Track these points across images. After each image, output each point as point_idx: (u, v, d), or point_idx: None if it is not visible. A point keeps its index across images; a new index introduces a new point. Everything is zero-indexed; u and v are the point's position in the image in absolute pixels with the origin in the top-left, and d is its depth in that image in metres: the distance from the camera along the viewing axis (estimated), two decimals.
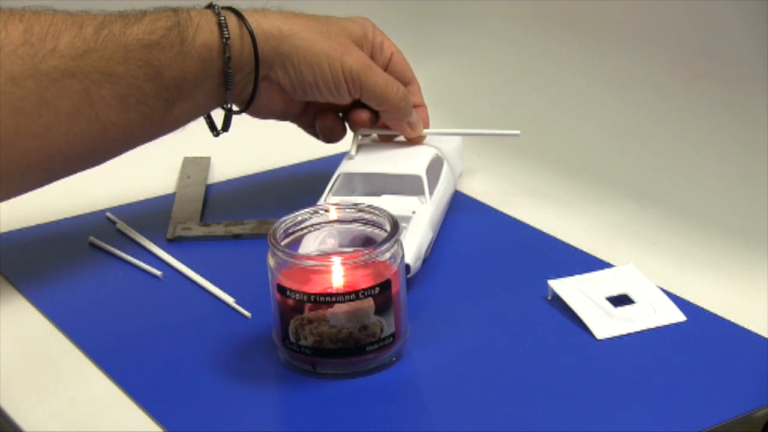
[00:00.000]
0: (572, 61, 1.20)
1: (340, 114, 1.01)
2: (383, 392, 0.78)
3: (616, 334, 0.82)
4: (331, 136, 1.01)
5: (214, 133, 0.97)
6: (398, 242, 0.80)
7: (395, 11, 1.30)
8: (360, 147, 1.03)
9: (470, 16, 1.28)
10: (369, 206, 0.83)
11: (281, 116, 1.00)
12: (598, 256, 0.93)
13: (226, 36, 0.90)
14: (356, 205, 0.84)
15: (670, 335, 0.82)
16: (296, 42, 0.93)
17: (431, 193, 0.96)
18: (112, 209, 1.05)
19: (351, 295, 0.77)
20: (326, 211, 0.84)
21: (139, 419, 0.77)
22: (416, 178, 0.96)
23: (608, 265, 0.91)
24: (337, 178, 0.98)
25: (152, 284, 0.93)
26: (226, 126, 0.96)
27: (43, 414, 0.78)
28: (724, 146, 1.05)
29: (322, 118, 1.00)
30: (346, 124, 1.02)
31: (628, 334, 0.82)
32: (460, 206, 1.03)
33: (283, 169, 1.13)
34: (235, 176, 1.11)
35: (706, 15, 1.06)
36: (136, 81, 0.86)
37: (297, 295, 0.78)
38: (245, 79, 0.93)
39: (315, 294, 0.77)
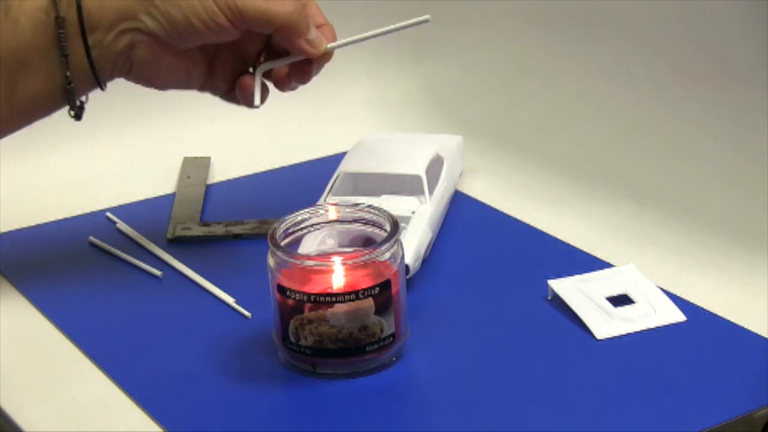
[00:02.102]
0: (572, 62, 1.20)
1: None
2: (383, 392, 0.78)
3: (616, 334, 0.82)
4: (252, 99, 0.89)
5: (71, 114, 0.86)
6: (398, 242, 0.80)
7: (395, 11, 1.29)
8: (360, 146, 1.03)
9: (470, 16, 1.28)
10: (369, 206, 0.83)
11: (184, 82, 0.88)
12: (598, 256, 0.93)
13: None
14: (356, 205, 0.84)
15: (670, 335, 0.82)
16: None
17: (431, 193, 0.96)
18: (112, 209, 1.05)
19: (351, 295, 0.77)
20: (326, 211, 0.84)
21: (139, 419, 0.77)
22: (416, 178, 0.96)
23: (608, 265, 0.91)
24: (336, 178, 0.98)
25: (152, 284, 0.93)
26: (73, 107, 0.84)
27: (43, 414, 0.78)
28: (724, 146, 1.04)
29: (241, 82, 0.88)
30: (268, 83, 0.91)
31: (628, 334, 0.82)
32: (460, 206, 1.03)
33: (283, 169, 1.13)
34: (235, 176, 1.11)
35: (706, 15, 1.06)
36: None
37: (297, 295, 0.78)
38: (106, 39, 0.83)
39: (315, 294, 0.77)
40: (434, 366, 0.81)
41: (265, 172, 1.12)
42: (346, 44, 0.89)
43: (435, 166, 1.00)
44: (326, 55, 0.88)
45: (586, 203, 1.03)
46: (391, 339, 0.79)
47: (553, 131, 1.17)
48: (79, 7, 0.81)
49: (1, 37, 0.81)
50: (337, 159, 1.03)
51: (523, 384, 0.78)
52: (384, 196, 0.97)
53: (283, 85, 0.90)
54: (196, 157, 1.14)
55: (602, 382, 0.78)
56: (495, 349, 0.82)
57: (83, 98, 0.86)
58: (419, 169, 0.97)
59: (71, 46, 0.82)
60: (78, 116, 0.86)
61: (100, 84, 0.85)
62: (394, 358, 0.81)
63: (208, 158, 1.14)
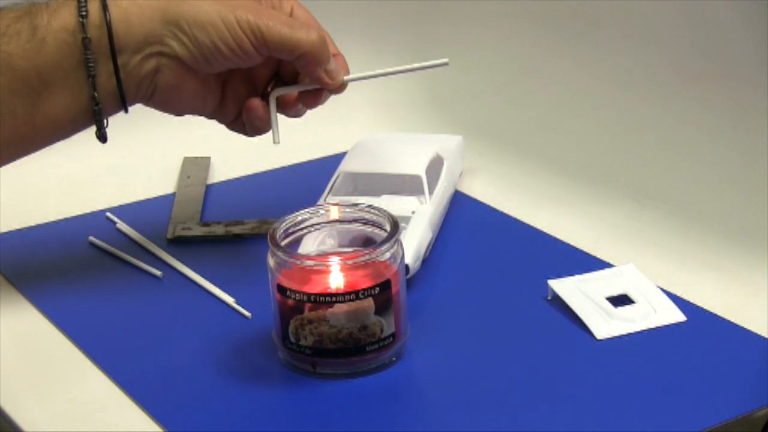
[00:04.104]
0: (572, 62, 1.20)
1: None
2: (383, 392, 0.78)
3: (616, 334, 0.82)
4: (260, 123, 0.89)
5: (97, 135, 0.86)
6: (398, 242, 0.80)
7: (395, 11, 1.29)
8: (360, 146, 1.03)
9: (470, 16, 1.28)
10: (369, 206, 0.83)
11: (199, 107, 0.89)
12: (598, 256, 0.93)
13: (83, 14, 0.81)
14: (356, 205, 0.84)
15: (670, 335, 0.82)
16: (182, 6, 0.83)
17: (431, 193, 0.96)
18: (112, 209, 1.05)
19: (351, 295, 0.77)
20: (326, 211, 0.84)
21: (139, 419, 0.77)
22: (416, 178, 0.96)
23: (608, 265, 0.91)
24: (336, 177, 0.98)
25: (152, 284, 0.93)
26: (100, 127, 0.85)
27: (43, 414, 0.78)
28: (724, 146, 1.04)
29: (248, 104, 0.88)
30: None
31: (628, 334, 0.82)
32: (460, 206, 1.03)
33: (283, 169, 1.13)
34: (235, 176, 1.11)
35: (706, 15, 1.06)
36: None
37: (297, 295, 0.78)
38: (132, 62, 0.83)
39: (315, 294, 0.77)
40: (434, 366, 0.81)
41: (265, 172, 1.12)
42: (361, 78, 0.89)
43: (435, 166, 1.00)
44: (341, 87, 0.89)
45: (586, 203, 1.03)
46: (391, 339, 0.79)
47: (553, 131, 1.17)
48: (109, 30, 0.82)
49: (26, 57, 0.81)
50: (337, 159, 1.03)
51: (523, 384, 0.78)
52: (384, 196, 0.97)
53: (289, 109, 0.90)
54: (196, 157, 1.14)
55: (602, 382, 0.78)
56: (495, 349, 0.82)
57: (105, 121, 0.86)
58: (419, 169, 0.97)
59: (97, 68, 0.82)
60: (104, 138, 0.86)
61: (125, 106, 0.85)
62: (394, 358, 0.81)
63: (208, 158, 1.14)
